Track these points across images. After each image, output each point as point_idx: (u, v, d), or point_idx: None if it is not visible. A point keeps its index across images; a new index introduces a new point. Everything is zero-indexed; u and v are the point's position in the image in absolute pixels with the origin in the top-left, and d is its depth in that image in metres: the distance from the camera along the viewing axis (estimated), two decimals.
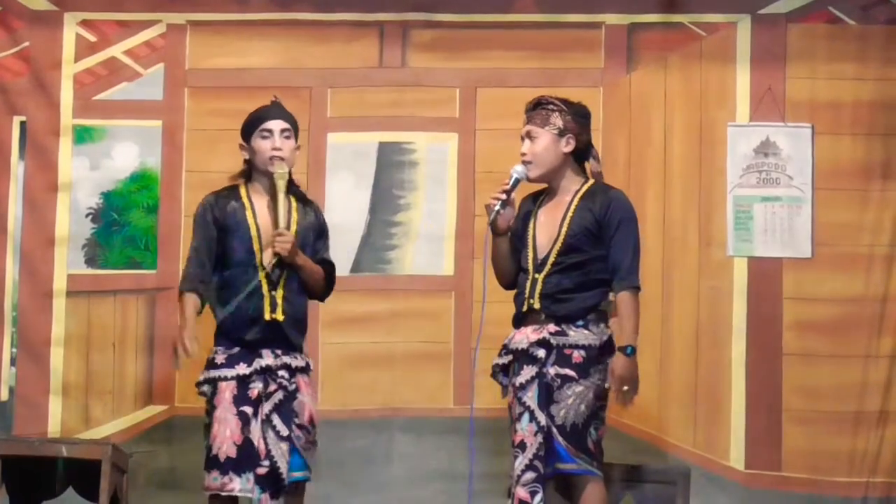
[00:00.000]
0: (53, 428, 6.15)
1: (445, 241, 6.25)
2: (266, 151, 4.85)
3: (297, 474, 4.83)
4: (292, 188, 4.91)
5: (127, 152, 6.34)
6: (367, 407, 6.19)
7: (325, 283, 4.98)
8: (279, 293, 4.82)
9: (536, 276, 4.72)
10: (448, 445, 6.08)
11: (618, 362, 4.62)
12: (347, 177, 6.31)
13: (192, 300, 4.80)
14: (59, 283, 6.24)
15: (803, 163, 6.16)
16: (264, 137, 4.86)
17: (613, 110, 6.24)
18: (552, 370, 4.62)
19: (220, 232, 4.84)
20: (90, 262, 6.31)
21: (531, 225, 4.79)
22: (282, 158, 4.84)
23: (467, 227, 6.21)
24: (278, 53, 6.31)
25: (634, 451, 6.03)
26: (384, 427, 6.15)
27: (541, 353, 4.64)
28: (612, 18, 6.28)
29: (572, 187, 4.78)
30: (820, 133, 6.16)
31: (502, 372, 4.78)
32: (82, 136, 6.32)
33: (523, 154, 4.79)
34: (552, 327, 4.67)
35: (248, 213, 4.85)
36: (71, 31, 6.32)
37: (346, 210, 6.22)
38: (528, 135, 4.79)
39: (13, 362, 6.25)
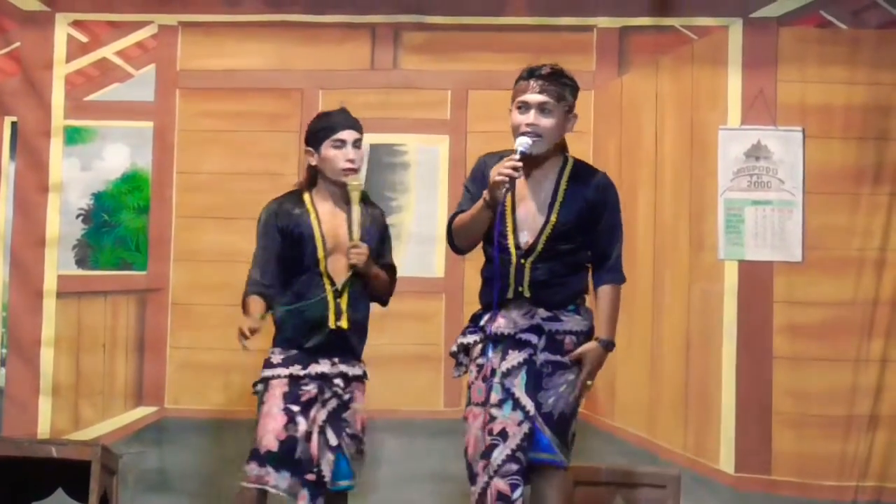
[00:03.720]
0: (43, 429, 6.14)
1: (436, 244, 6.23)
2: (339, 162, 4.83)
3: (343, 483, 4.84)
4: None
5: (118, 153, 6.33)
6: None
7: (389, 287, 4.99)
8: (344, 300, 4.82)
9: (523, 261, 4.44)
10: (438, 447, 6.07)
11: (594, 353, 4.44)
12: None
13: (257, 300, 4.78)
14: (50, 284, 6.22)
15: (794, 166, 6.16)
16: (337, 147, 4.83)
17: (605, 113, 6.23)
18: (542, 356, 4.41)
19: (286, 239, 4.82)
20: (80, 262, 6.30)
21: (507, 200, 4.41)
22: (355, 170, 4.84)
23: None
24: (270, 55, 6.30)
25: (625, 454, 6.04)
26: (374, 429, 6.11)
27: (533, 338, 4.41)
28: (603, 21, 6.28)
29: (555, 164, 4.51)
30: (811, 137, 6.16)
31: (464, 352, 4.56)
32: (73, 136, 6.31)
33: (532, 125, 4.39)
34: (543, 312, 4.45)
35: (314, 221, 4.83)
36: (62, 31, 6.31)
37: None
38: (541, 106, 4.41)
39: (3, 363, 6.24)
